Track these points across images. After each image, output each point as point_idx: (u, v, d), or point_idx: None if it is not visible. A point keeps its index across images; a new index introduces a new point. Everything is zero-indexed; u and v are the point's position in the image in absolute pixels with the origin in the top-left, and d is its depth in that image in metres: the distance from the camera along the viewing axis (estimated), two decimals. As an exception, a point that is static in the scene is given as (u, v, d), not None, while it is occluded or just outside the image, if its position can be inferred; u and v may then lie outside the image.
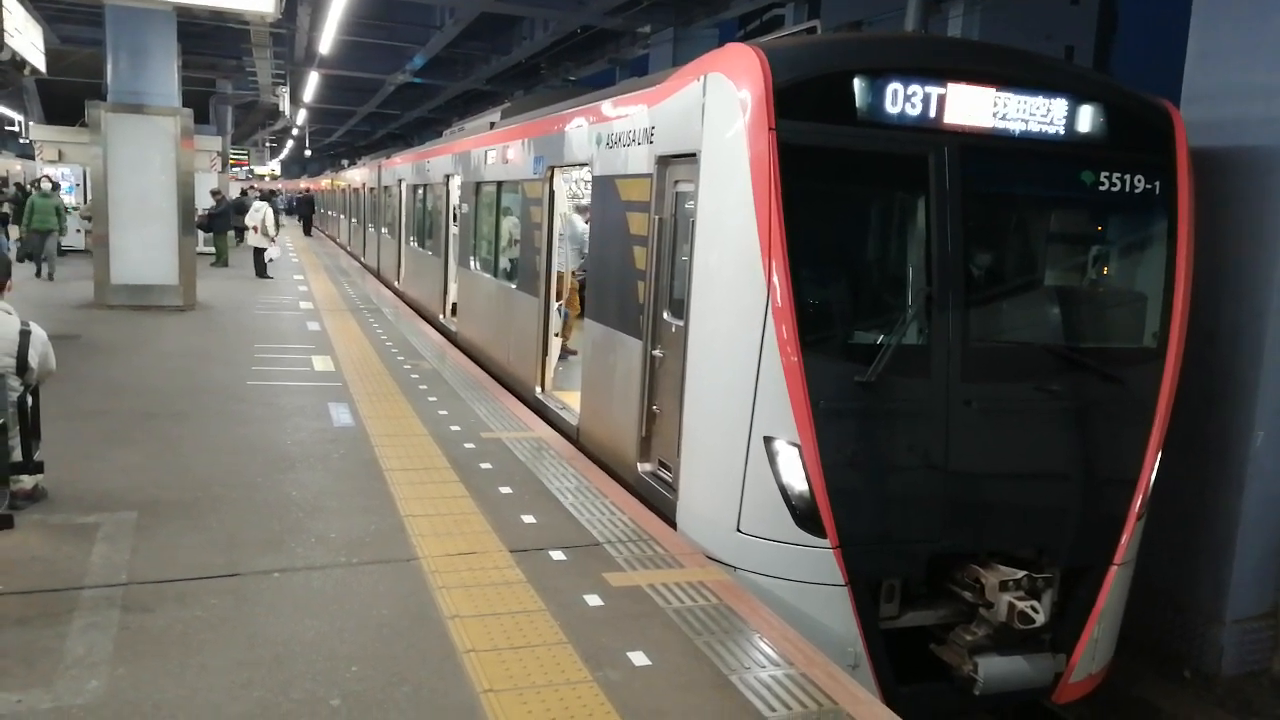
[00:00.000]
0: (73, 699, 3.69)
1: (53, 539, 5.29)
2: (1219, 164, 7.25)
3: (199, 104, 26.62)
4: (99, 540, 5.29)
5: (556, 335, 9.74)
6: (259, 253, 20.64)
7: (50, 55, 16.80)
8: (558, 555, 5.46)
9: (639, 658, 4.27)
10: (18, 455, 5.60)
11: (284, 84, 32.08)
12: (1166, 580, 7.61)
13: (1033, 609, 5.41)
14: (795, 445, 5.38)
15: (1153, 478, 6.12)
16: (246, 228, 21.63)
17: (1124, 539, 6.06)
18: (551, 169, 9.26)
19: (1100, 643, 6.12)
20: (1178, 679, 7.54)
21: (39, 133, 27.47)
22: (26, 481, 5.77)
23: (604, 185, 7.75)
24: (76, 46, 22.85)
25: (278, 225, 22.39)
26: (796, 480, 5.42)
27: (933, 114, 5.63)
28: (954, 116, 5.67)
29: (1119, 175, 6.08)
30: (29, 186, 23.55)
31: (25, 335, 5.69)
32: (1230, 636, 7.45)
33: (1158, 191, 6.18)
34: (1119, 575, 6.09)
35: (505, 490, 6.58)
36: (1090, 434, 5.98)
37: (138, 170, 14.34)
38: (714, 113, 5.81)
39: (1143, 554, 6.34)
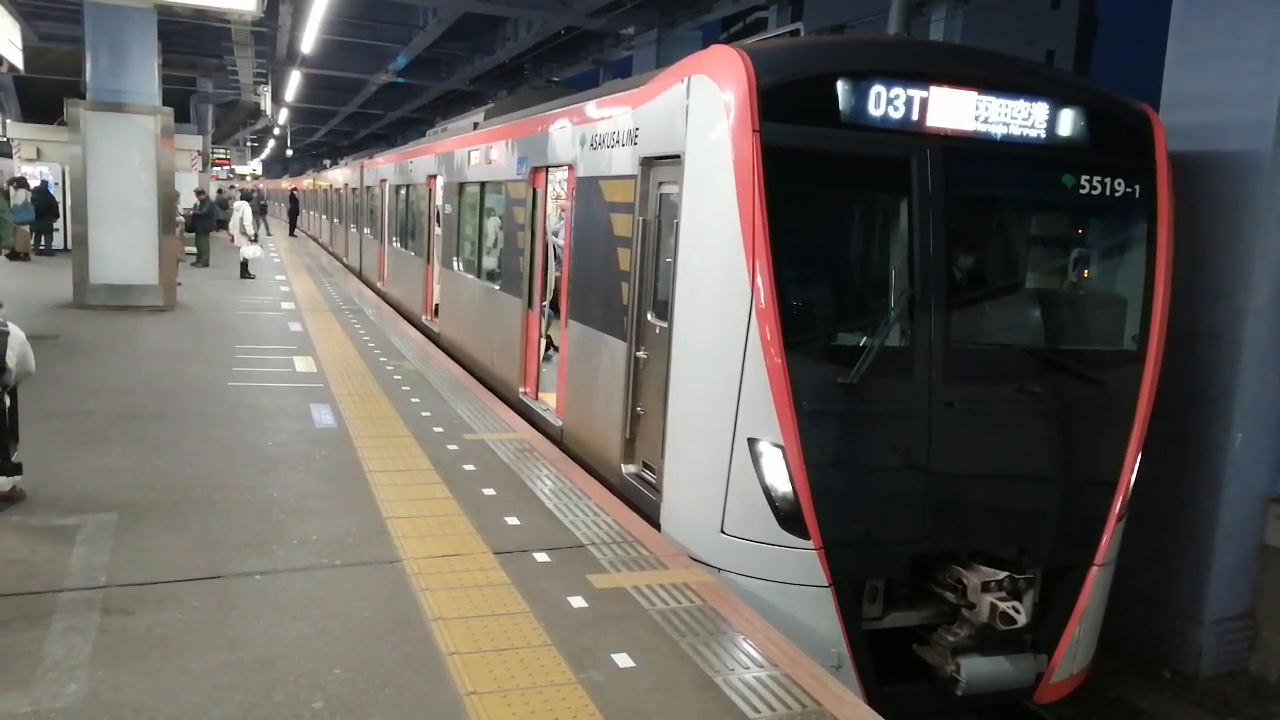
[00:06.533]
0: (51, 702, 3.65)
1: (31, 541, 5.24)
2: (1198, 168, 7.32)
3: (179, 103, 26.48)
4: (78, 542, 5.24)
5: (544, 335, 9.74)
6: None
7: (28, 52, 16.68)
8: (541, 557, 5.45)
9: (623, 659, 4.27)
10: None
11: (265, 83, 31.92)
12: (1146, 581, 7.67)
13: (1014, 609, 5.44)
14: (779, 447, 5.39)
15: (1133, 479, 6.17)
16: (233, 231, 21.27)
17: (1104, 540, 6.10)
18: (535, 170, 9.25)
19: (1081, 643, 6.16)
20: (1157, 679, 7.61)
21: (17, 131, 27.21)
22: (4, 483, 5.72)
23: (588, 186, 7.74)
24: (55, 44, 22.65)
25: (257, 224, 22.22)
26: (780, 482, 5.43)
27: (915, 117, 5.66)
28: (936, 119, 5.70)
29: (1099, 179, 6.13)
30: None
31: (3, 335, 5.64)
32: (1209, 637, 7.52)
33: (1138, 195, 6.23)
34: (1099, 576, 6.13)
35: (488, 492, 6.56)
36: (1071, 436, 6.02)
37: (117, 169, 14.22)
38: (698, 114, 5.81)
39: (1123, 555, 6.39)
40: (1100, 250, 6.75)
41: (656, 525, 6.16)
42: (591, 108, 7.86)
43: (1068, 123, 6.01)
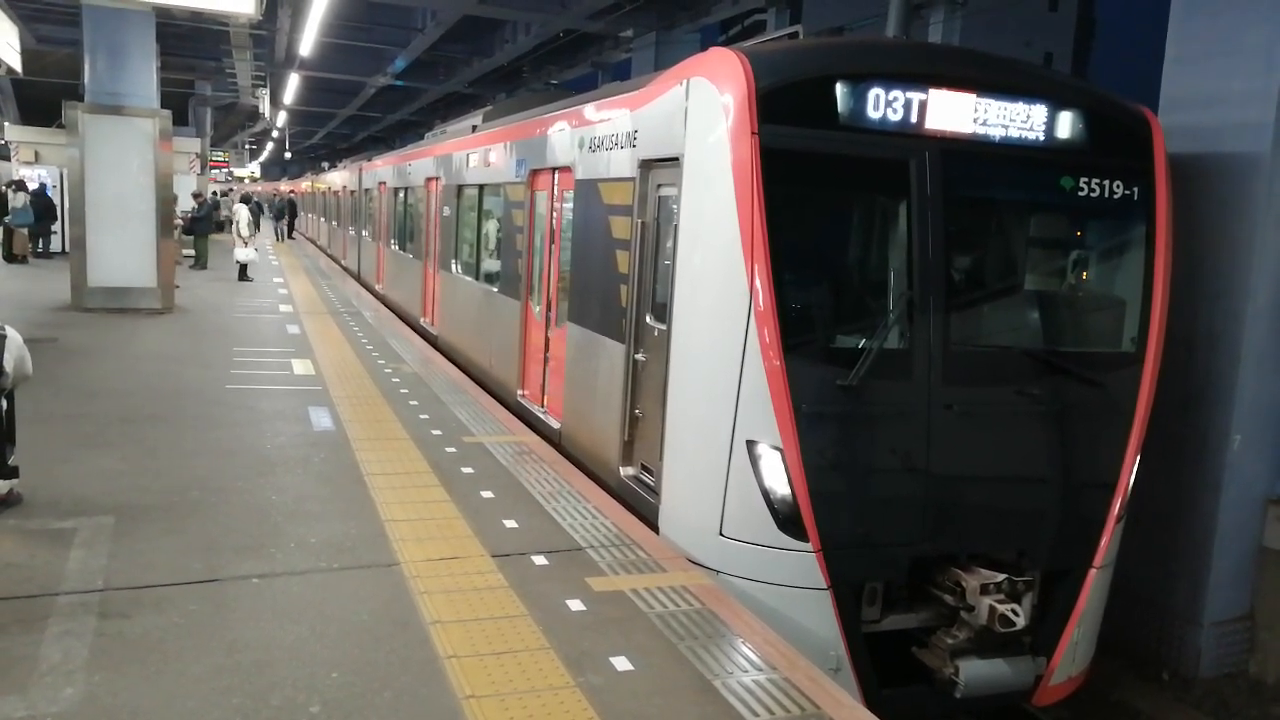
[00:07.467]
0: (48, 707, 3.64)
1: (28, 544, 5.22)
2: (1196, 170, 7.32)
3: (178, 105, 26.50)
4: (75, 545, 5.22)
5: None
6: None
7: (26, 55, 16.69)
8: (540, 560, 5.44)
9: (621, 663, 4.26)
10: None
11: (264, 86, 31.94)
12: (1145, 583, 7.66)
13: (1013, 612, 5.43)
14: (778, 449, 5.38)
15: (1132, 481, 6.17)
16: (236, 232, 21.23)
17: (1103, 542, 6.09)
18: (533, 172, 9.24)
19: (1080, 645, 6.16)
20: (1156, 681, 7.60)
21: (15, 134, 27.21)
22: (1, 486, 5.71)
23: (586, 189, 7.74)
24: (53, 47, 22.65)
25: (256, 226, 22.19)
26: (779, 484, 5.42)
27: (914, 119, 5.66)
28: (935, 122, 5.70)
29: (1098, 181, 6.12)
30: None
31: (0, 339, 5.63)
32: (1208, 639, 7.52)
33: (1136, 197, 6.23)
34: (1098, 578, 6.13)
35: (487, 494, 6.55)
36: (1070, 438, 6.01)
37: (116, 172, 14.20)
38: (697, 117, 5.81)
39: (1122, 557, 6.38)
40: (1099, 252, 6.74)
41: (655, 528, 6.15)
42: (590, 110, 7.86)
43: (1066, 125, 6.01)
